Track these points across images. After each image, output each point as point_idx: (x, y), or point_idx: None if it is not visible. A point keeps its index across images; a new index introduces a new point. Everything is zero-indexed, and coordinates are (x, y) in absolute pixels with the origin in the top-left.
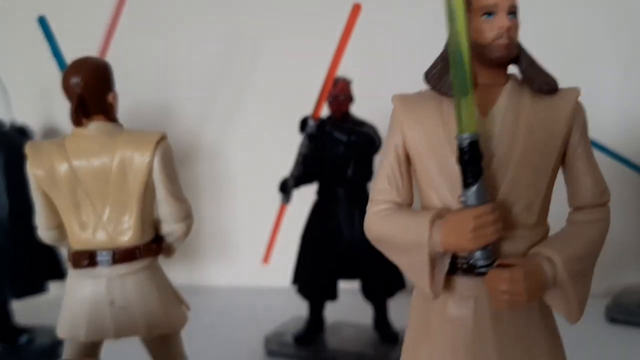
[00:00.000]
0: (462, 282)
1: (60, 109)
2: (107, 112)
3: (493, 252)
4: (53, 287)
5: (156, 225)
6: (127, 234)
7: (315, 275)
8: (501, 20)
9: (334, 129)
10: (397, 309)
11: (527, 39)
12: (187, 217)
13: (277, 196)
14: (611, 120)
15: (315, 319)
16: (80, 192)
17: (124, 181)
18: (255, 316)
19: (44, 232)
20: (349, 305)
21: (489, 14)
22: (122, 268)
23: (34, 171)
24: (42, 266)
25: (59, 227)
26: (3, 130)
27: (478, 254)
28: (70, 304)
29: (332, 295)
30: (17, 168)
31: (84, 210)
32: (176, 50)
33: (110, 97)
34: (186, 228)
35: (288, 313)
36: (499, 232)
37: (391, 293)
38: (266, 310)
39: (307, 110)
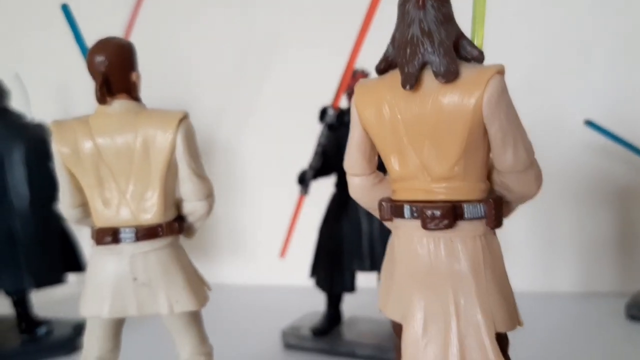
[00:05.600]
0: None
1: (76, 107)
2: (131, 91)
3: None
4: (72, 280)
5: (178, 204)
6: (150, 212)
7: (333, 267)
8: None
9: (347, 116)
10: None
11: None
12: (209, 195)
13: (294, 191)
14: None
15: (333, 311)
16: (103, 170)
17: (147, 159)
18: (272, 312)
19: (68, 210)
20: (366, 301)
21: None
22: (145, 245)
23: (58, 148)
24: (62, 257)
25: (83, 206)
26: (24, 122)
27: None
28: (93, 281)
29: (351, 287)
30: (38, 159)
31: (108, 187)
32: (194, 43)
33: (133, 76)
34: (208, 206)
35: (305, 309)
36: None
37: None
38: (283, 307)
39: (324, 102)
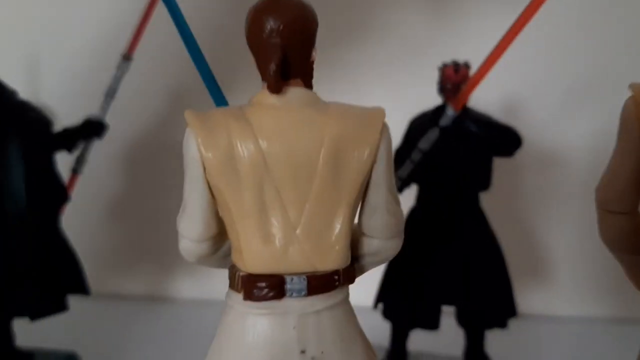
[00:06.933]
0: None
1: (47, 88)
2: (307, 76)
3: None
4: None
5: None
6: (329, 253)
7: (406, 296)
8: None
9: (467, 120)
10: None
11: None
12: (402, 230)
13: None
14: None
15: (398, 349)
16: (268, 188)
17: (336, 176)
18: None
19: (193, 244)
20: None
21: None
22: (318, 302)
23: (201, 151)
24: (63, 277)
25: (217, 236)
26: (18, 102)
27: None
28: (232, 353)
29: (433, 324)
30: (39, 154)
31: (273, 214)
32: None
33: (314, 55)
34: (397, 247)
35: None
36: None
37: (503, 322)
38: None
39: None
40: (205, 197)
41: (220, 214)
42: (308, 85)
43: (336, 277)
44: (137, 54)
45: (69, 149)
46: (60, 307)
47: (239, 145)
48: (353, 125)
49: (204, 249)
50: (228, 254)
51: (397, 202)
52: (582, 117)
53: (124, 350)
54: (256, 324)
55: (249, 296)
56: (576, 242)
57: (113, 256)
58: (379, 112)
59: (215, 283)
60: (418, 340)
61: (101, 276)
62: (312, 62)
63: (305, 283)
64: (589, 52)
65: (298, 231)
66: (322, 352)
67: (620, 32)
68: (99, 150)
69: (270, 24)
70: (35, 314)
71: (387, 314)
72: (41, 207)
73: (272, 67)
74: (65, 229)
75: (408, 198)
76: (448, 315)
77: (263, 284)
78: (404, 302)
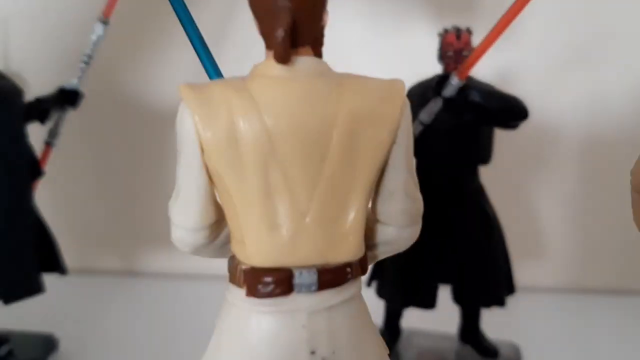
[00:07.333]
0: None
1: (18, 53)
2: (318, 43)
3: None
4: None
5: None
6: (344, 243)
7: (401, 274)
8: None
9: (471, 90)
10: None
11: None
12: (420, 217)
13: None
14: None
15: (392, 327)
16: (274, 171)
17: (352, 155)
18: None
19: (188, 233)
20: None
21: None
22: (330, 297)
23: (197, 129)
24: (37, 256)
25: (215, 224)
26: None
27: None
28: (234, 356)
29: (430, 301)
30: (9, 124)
31: (279, 200)
32: None
33: (325, 19)
34: (415, 235)
35: None
36: None
37: (501, 300)
38: None
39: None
40: (203, 181)
41: (219, 200)
42: (318, 53)
43: (349, 269)
44: (114, 15)
45: (42, 120)
46: (35, 288)
47: (241, 122)
48: (370, 100)
49: (201, 238)
50: (226, 242)
51: (417, 186)
52: (573, 88)
53: (101, 328)
54: (261, 323)
55: (252, 292)
56: (569, 214)
57: (89, 231)
58: (399, 86)
59: (191, 257)
60: (411, 317)
61: (76, 252)
62: (323, 27)
63: (315, 277)
64: (581, 19)
65: (308, 219)
66: (334, 352)
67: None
68: (73, 121)
69: None
70: (9, 297)
71: (381, 293)
72: (13, 183)
73: (280, 33)
74: (38, 204)
75: None
76: (442, 291)
77: (269, 279)
78: (398, 281)
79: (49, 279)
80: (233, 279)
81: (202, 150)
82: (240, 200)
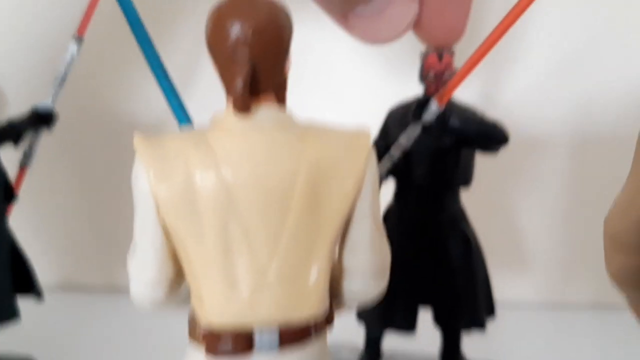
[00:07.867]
0: None
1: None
2: (280, 89)
3: None
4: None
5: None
6: (306, 301)
7: (388, 299)
8: None
9: (451, 116)
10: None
11: None
12: (387, 269)
13: None
14: None
15: (372, 350)
16: (234, 227)
17: (315, 208)
18: None
19: (146, 288)
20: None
21: None
22: (291, 355)
23: (152, 185)
24: (12, 281)
25: (174, 279)
26: None
27: None
28: None
29: (410, 324)
30: None
31: (239, 256)
32: None
33: (287, 66)
34: (381, 287)
35: (340, 339)
36: None
37: (481, 323)
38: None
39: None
40: (159, 238)
41: (178, 256)
42: (281, 100)
43: (312, 325)
44: (89, 34)
45: (15, 142)
46: (9, 314)
47: (198, 177)
48: (334, 151)
49: (159, 294)
50: (188, 295)
51: (383, 237)
52: (557, 100)
53: (83, 347)
54: None
55: (212, 350)
56: (551, 227)
57: (71, 247)
58: (364, 135)
59: None
60: (392, 339)
61: (58, 268)
62: (287, 73)
63: (276, 336)
64: (566, 30)
65: (269, 276)
66: None
67: (597, 9)
68: (55, 136)
69: (237, 30)
70: None
71: (360, 315)
72: None
73: (239, 83)
74: (18, 220)
75: (384, 193)
76: (423, 313)
77: (228, 338)
78: (378, 304)
79: (29, 299)
80: (192, 334)
81: (158, 206)
82: (198, 257)
